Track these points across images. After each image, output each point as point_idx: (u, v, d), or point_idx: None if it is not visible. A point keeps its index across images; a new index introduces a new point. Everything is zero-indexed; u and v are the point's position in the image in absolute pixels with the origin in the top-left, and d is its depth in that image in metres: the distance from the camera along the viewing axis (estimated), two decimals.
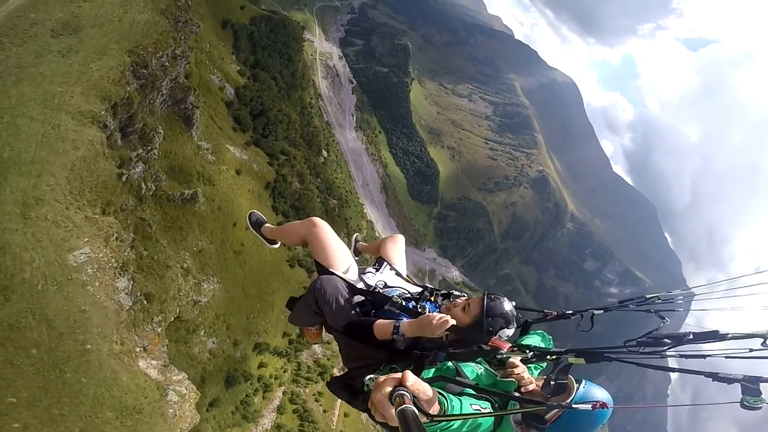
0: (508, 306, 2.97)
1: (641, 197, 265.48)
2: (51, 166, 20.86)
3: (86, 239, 21.47)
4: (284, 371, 52.80)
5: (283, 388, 51.53)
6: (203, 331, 37.21)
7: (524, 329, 3.46)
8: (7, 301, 17.96)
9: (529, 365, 3.01)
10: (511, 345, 2.84)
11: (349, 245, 4.70)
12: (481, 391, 2.51)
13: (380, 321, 3.11)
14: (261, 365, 48.71)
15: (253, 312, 46.63)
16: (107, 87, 26.76)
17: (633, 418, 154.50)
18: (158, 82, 33.23)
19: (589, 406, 2.17)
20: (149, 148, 30.95)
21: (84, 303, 20.25)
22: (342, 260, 3.71)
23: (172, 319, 28.55)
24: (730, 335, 1.99)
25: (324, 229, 3.73)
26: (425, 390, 1.73)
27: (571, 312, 3.39)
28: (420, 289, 3.76)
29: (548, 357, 2.72)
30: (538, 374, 3.07)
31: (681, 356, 2.13)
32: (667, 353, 2.18)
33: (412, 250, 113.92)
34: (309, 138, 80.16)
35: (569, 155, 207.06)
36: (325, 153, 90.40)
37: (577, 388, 2.52)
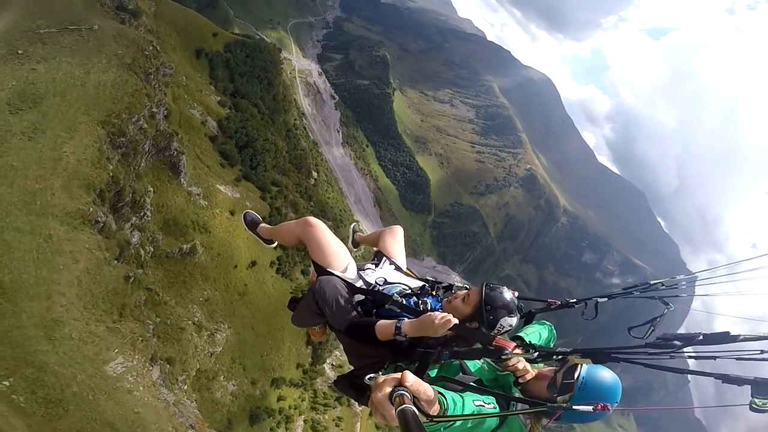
0: (508, 295, 2.93)
1: (630, 185, 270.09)
2: (57, 286, 19.81)
3: (116, 349, 21.76)
4: (302, 400, 53.52)
5: (303, 416, 52.05)
6: (222, 376, 37.60)
7: (528, 319, 3.41)
8: (66, 412, 18.22)
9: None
10: (515, 344, 2.77)
11: (346, 238, 4.68)
12: (483, 388, 2.53)
13: (382, 321, 3.07)
14: (280, 398, 49.34)
15: (265, 350, 46.63)
16: (88, 173, 24.54)
17: (658, 403, 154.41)
18: (140, 146, 31.13)
19: (590, 408, 2.15)
20: (142, 213, 29.36)
21: (135, 405, 20.71)
22: (340, 259, 3.62)
23: (194, 373, 27.70)
24: (741, 337, 1.94)
25: (319, 228, 3.66)
26: (425, 390, 1.72)
27: (575, 300, 3.37)
28: (421, 284, 3.66)
29: (554, 357, 2.61)
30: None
31: (690, 357, 2.11)
32: (677, 354, 2.11)
33: (410, 260, 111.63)
34: (298, 162, 78.51)
35: (554, 151, 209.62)
36: (315, 174, 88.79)
37: (579, 376, 2.43)
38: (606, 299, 3.27)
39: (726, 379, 1.90)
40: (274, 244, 4.68)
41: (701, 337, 2.04)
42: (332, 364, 62.42)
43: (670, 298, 2.91)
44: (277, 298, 51.11)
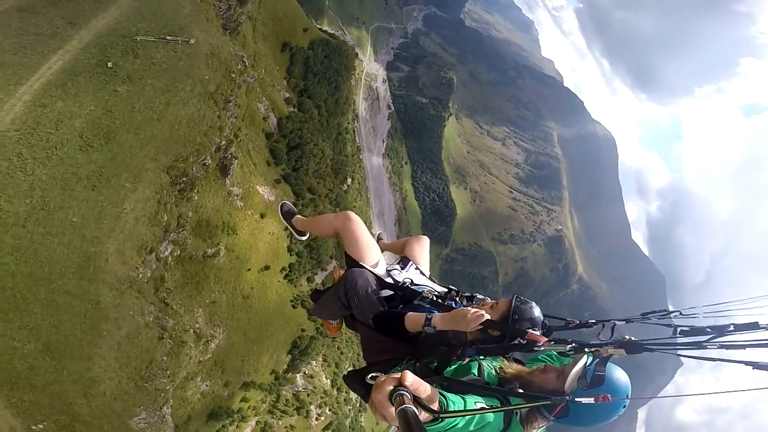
0: (537, 312, 3.10)
1: (653, 268, 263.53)
2: (99, 349, 21.82)
3: (141, 406, 24.20)
4: (263, 402, 54.34)
5: (257, 418, 53.02)
6: (200, 377, 39.07)
7: (546, 335, 3.38)
8: None
9: (551, 355, 3.12)
10: (548, 339, 2.86)
11: None
12: (484, 388, 2.59)
13: (411, 313, 3.26)
14: (243, 399, 50.36)
15: (248, 355, 48.34)
16: (143, 233, 24.50)
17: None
18: (198, 181, 30.94)
19: (591, 399, 2.20)
20: (181, 230, 30.69)
21: None
22: (372, 255, 3.91)
23: (178, 381, 30.29)
24: None
25: (358, 223, 3.95)
26: (425, 389, 1.78)
27: (593, 321, 3.44)
28: (445, 290, 3.90)
29: (586, 349, 2.66)
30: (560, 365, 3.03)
31: (721, 347, 2.17)
32: (708, 344, 2.21)
33: None
34: (337, 167, 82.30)
35: (590, 215, 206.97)
36: (349, 181, 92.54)
37: (583, 366, 2.56)
38: (624, 323, 3.33)
39: (756, 365, 1.95)
40: (306, 236, 5.05)
41: (732, 328, 2.11)
42: (305, 373, 63.81)
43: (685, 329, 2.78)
44: (277, 304, 53.44)
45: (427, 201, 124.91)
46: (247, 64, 39.38)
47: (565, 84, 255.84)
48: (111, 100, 23.81)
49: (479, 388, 2.55)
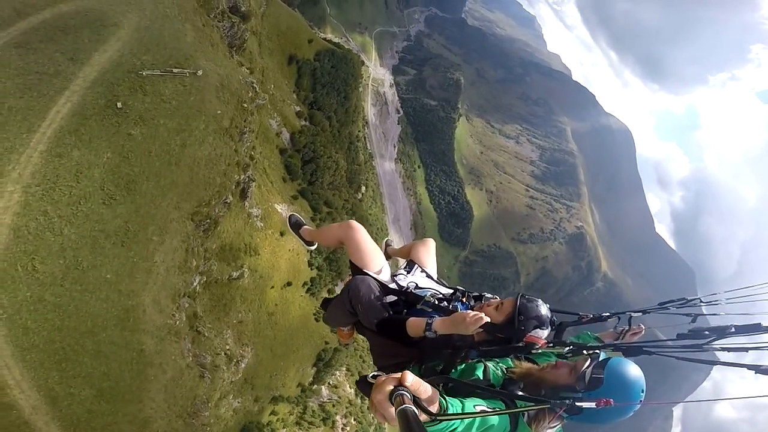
0: (543, 309, 3.05)
1: (681, 262, 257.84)
2: (148, 393, 23.05)
3: None
4: (290, 414, 55.67)
5: (285, 430, 54.04)
6: (232, 395, 39.79)
7: (558, 331, 3.43)
8: None
9: (549, 353, 3.08)
10: (546, 341, 2.86)
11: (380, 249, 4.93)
12: (485, 390, 2.59)
13: (413, 318, 3.31)
14: (272, 413, 51.60)
15: (276, 370, 49.30)
16: (175, 282, 25.33)
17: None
18: (221, 219, 31.60)
19: (592, 404, 2.16)
20: (207, 262, 31.44)
21: None
22: (376, 262, 4.01)
23: (214, 403, 31.04)
24: None
25: (360, 232, 4.07)
26: (425, 389, 1.78)
27: (608, 314, 3.40)
28: (451, 291, 3.99)
29: (585, 351, 2.66)
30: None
31: (722, 349, 2.11)
32: (709, 346, 2.14)
33: None
34: (352, 176, 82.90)
35: (612, 209, 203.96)
36: (363, 189, 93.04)
37: (590, 364, 2.55)
38: (640, 314, 3.26)
39: (759, 369, 1.90)
40: (314, 246, 5.23)
41: (733, 329, 2.06)
42: (329, 383, 65.13)
43: (707, 316, 2.74)
44: (300, 318, 54.47)
45: (442, 204, 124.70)
46: (257, 88, 39.40)
47: (574, 78, 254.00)
48: (126, 145, 23.55)
49: (481, 389, 2.56)
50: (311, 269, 57.28)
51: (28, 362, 20.30)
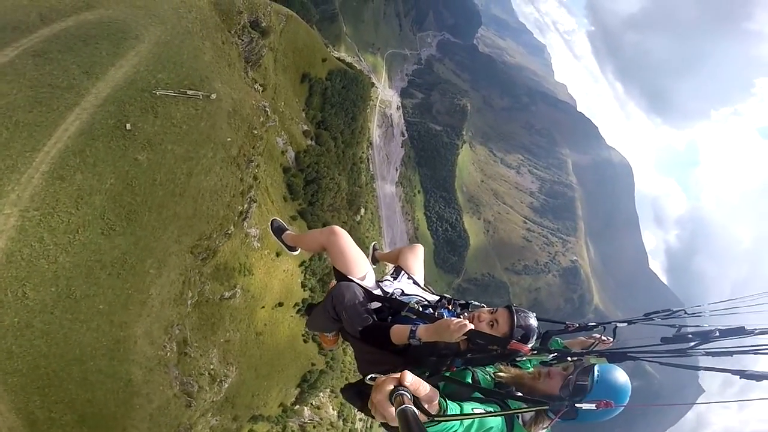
0: (533, 321, 3.07)
1: (673, 297, 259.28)
2: (132, 421, 22.64)
3: None
4: None
5: None
6: (210, 413, 39.58)
7: (544, 340, 3.43)
8: None
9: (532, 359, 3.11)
10: (530, 348, 2.91)
11: (367, 254, 4.81)
12: (484, 392, 2.61)
13: (397, 326, 3.32)
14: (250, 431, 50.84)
15: (259, 390, 48.93)
16: (169, 314, 24.99)
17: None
18: (220, 247, 31.29)
19: (593, 406, 2.20)
20: (201, 284, 31.35)
21: None
22: (360, 268, 3.94)
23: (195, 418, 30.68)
24: (757, 330, 2.00)
25: (343, 237, 3.98)
26: (425, 389, 1.78)
27: (594, 324, 3.41)
28: (437, 298, 4.00)
29: (569, 358, 2.69)
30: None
31: (707, 353, 2.12)
32: (693, 351, 2.14)
33: None
34: (352, 198, 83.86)
35: (607, 244, 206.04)
36: (362, 211, 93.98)
37: (593, 376, 2.57)
38: (625, 324, 3.24)
39: (744, 374, 1.93)
40: (297, 251, 5.22)
41: (717, 334, 2.09)
42: (312, 404, 64.58)
43: (691, 328, 2.76)
44: (288, 338, 53.89)
45: (439, 231, 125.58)
46: (269, 111, 39.06)
47: (579, 109, 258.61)
48: (131, 171, 22.76)
49: (481, 389, 2.62)
50: (304, 290, 57.60)
51: (9, 385, 20.06)
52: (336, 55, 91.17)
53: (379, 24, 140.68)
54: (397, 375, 1.72)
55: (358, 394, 3.22)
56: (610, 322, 3.34)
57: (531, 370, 2.96)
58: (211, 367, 36.62)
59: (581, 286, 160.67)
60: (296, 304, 57.00)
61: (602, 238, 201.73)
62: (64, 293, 20.83)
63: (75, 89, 23.14)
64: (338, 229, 4.04)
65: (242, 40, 40.08)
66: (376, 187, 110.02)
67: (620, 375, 2.62)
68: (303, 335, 58.62)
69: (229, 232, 30.81)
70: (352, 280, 3.81)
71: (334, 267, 4.08)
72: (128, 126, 23.55)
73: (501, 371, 2.96)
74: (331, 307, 3.65)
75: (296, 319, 57.75)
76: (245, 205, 33.58)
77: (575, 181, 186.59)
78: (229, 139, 29.07)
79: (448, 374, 2.88)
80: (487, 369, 2.96)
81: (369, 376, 2.01)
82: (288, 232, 5.25)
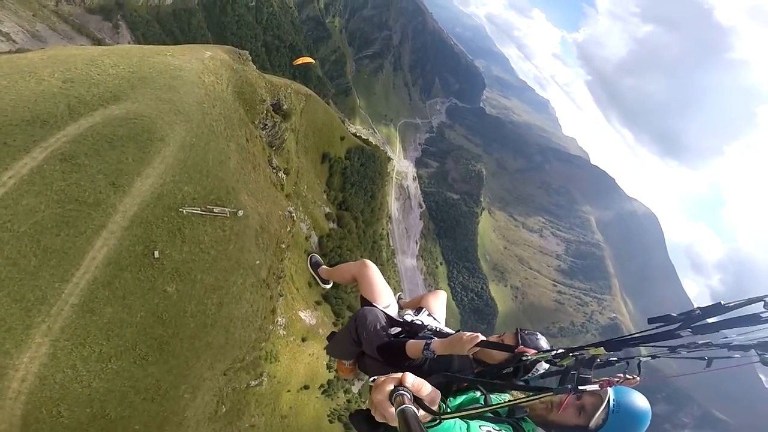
0: (543, 342, 3.06)
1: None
2: None
3: None
4: None
5: None
6: None
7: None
8: None
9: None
10: (535, 350, 2.89)
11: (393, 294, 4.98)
12: (492, 401, 2.63)
13: (412, 341, 3.46)
14: None
15: None
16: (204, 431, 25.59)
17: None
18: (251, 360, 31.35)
19: (596, 387, 2.24)
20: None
21: None
22: (384, 297, 4.22)
23: None
24: (732, 304, 2.05)
25: (373, 270, 4.33)
26: (426, 389, 1.77)
27: (615, 359, 3.13)
28: (454, 332, 3.96)
29: (570, 354, 2.67)
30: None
31: (696, 334, 2.16)
32: (682, 332, 2.18)
33: None
34: None
35: (646, 298, 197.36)
36: None
37: (609, 400, 2.57)
38: (649, 359, 3.22)
39: (731, 347, 2.10)
40: (329, 285, 5.55)
41: (699, 312, 2.17)
42: None
43: (723, 360, 2.67)
44: (313, 419, 53.11)
45: (465, 301, 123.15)
46: (294, 216, 39.09)
47: (593, 162, 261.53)
48: (161, 304, 22.98)
49: (491, 408, 2.60)
50: (329, 372, 56.57)
51: None
52: (352, 130, 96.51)
53: (389, 95, 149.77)
54: (398, 375, 1.76)
55: (366, 421, 3.22)
56: (633, 357, 3.25)
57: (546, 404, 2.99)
58: None
59: None
60: (321, 386, 56.62)
61: (639, 292, 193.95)
62: (99, 414, 21.19)
63: (102, 206, 23.16)
64: (369, 262, 4.47)
65: (265, 125, 40.94)
66: (397, 261, 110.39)
67: (639, 400, 2.65)
68: (328, 415, 56.92)
69: (261, 347, 31.55)
70: (375, 307, 4.10)
71: (361, 296, 4.39)
72: (156, 254, 23.51)
73: (513, 399, 2.99)
74: (354, 328, 3.93)
75: (321, 399, 56.72)
76: (277, 320, 34.31)
77: (601, 239, 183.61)
78: (258, 262, 29.29)
79: (453, 407, 2.92)
80: (502, 395, 3.01)
81: (371, 378, 2.10)
82: (323, 267, 5.61)
